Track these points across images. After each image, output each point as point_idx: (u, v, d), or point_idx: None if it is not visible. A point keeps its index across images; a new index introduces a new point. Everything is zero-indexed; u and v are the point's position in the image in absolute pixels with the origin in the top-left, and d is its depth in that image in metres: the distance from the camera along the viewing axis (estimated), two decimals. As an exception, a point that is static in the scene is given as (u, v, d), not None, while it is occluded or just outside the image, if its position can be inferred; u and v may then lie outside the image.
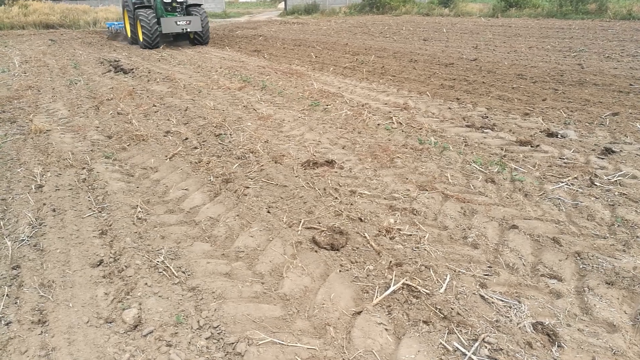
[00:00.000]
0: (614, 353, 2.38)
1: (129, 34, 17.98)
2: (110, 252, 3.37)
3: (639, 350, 2.41)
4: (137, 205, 4.08)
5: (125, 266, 3.17)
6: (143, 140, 5.92)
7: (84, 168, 5.02)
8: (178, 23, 15.65)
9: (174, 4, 16.21)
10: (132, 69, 11.42)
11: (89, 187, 4.55)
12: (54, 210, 4.04)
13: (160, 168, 5.02)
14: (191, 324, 2.63)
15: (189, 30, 15.92)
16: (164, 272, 3.11)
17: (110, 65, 12.12)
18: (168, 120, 6.87)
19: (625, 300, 2.76)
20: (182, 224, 3.83)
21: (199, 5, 17.74)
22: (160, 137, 6.04)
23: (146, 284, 2.98)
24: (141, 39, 16.11)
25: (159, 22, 15.78)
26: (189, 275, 3.09)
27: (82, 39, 19.48)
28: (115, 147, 5.73)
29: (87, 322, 2.66)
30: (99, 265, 3.23)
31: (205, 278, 3.04)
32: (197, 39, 17.12)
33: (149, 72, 10.99)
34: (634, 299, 2.76)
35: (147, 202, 4.21)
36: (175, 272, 3.10)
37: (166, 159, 5.25)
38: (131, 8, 16.54)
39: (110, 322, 2.66)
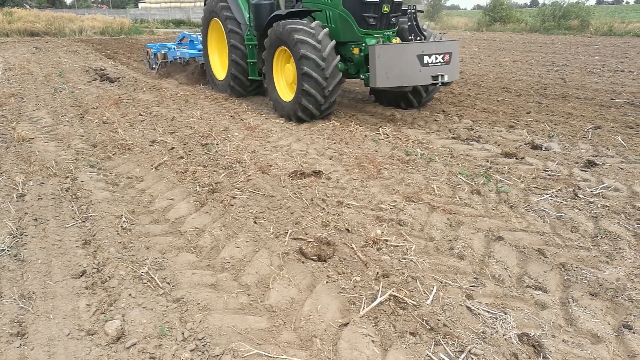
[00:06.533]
0: (598, 364, 2.40)
1: (218, 76, 9.24)
2: (94, 263, 3.31)
3: (622, 361, 2.43)
4: (122, 215, 4.03)
5: (109, 277, 3.11)
6: (129, 149, 5.87)
7: (67, 177, 4.95)
8: (427, 61, 6.43)
9: (386, 7, 6.88)
10: (119, 78, 11.34)
11: (73, 196, 4.48)
12: (35, 219, 3.97)
13: (146, 177, 4.97)
14: (175, 335, 2.59)
15: (446, 80, 6.65)
16: (148, 283, 3.06)
17: (96, 73, 12.04)
18: (154, 129, 6.82)
19: (609, 311, 2.78)
20: (168, 234, 3.79)
21: (420, 10, 7.88)
22: (146, 147, 5.99)
23: (130, 295, 2.93)
24: (303, 101, 6.72)
25: (346, 58, 7.27)
26: (173, 286, 3.05)
27: (68, 47, 19.35)
28: (100, 156, 5.66)
29: (68, 334, 2.60)
30: (81, 275, 3.17)
31: (190, 289, 3.00)
32: (414, 98, 7.69)
33: (136, 81, 10.93)
34: (617, 310, 2.78)
35: (132, 211, 4.16)
36: (159, 283, 3.06)
37: (152, 169, 5.20)
38: (247, 21, 8.15)
39: (92, 334, 2.61)
